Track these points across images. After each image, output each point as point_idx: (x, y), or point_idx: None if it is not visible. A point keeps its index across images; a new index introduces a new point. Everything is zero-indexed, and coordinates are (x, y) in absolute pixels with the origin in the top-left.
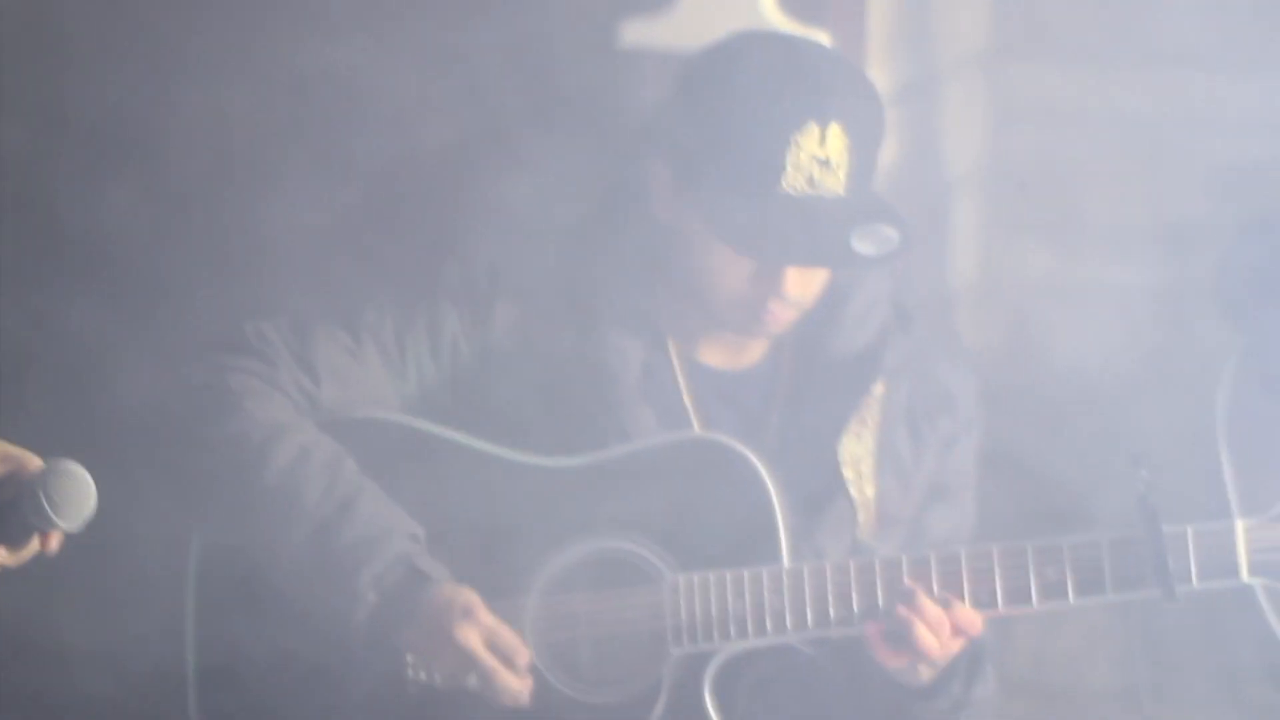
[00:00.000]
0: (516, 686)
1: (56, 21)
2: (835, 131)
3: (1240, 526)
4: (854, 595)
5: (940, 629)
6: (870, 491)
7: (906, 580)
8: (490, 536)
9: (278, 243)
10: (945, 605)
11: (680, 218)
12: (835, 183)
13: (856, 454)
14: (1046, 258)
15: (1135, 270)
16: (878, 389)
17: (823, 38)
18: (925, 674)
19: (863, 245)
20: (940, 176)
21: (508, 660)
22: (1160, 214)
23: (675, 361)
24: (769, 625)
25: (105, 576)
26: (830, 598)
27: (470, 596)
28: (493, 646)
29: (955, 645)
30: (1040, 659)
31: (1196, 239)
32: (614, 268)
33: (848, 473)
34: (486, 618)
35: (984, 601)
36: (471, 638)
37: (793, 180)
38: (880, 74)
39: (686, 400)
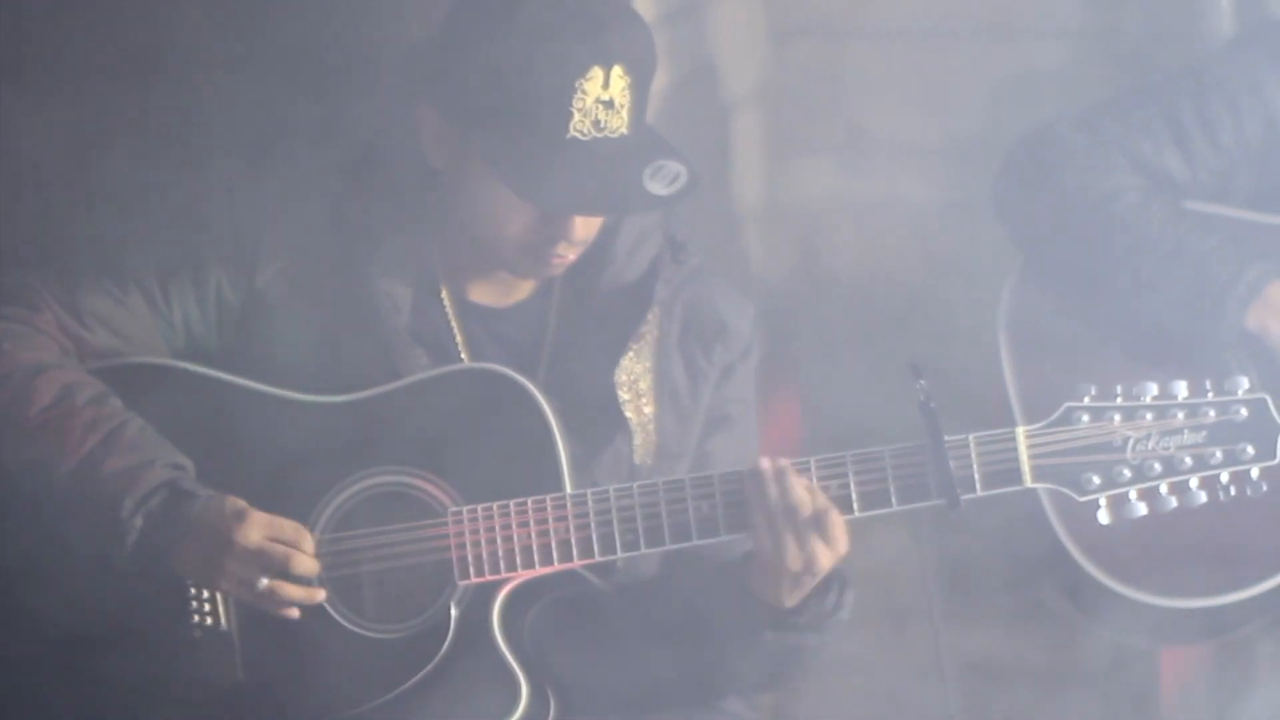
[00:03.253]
0: (311, 567)
1: None
2: (618, 73)
3: (1021, 433)
4: (638, 519)
5: (797, 519)
6: (649, 410)
7: (765, 460)
8: (267, 476)
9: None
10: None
11: (457, 163)
12: (620, 123)
13: (635, 372)
14: (831, 175)
15: (921, 185)
16: (653, 314)
17: None
18: (794, 589)
19: (655, 186)
20: (718, 98)
21: (295, 546)
22: (944, 127)
23: (447, 302)
24: (555, 554)
25: None
26: (615, 523)
27: (237, 501)
28: (276, 537)
29: (825, 556)
30: None
31: (981, 151)
32: (381, 213)
33: (624, 394)
34: (260, 515)
35: None
36: (252, 535)
37: (580, 125)
38: None
39: (458, 338)
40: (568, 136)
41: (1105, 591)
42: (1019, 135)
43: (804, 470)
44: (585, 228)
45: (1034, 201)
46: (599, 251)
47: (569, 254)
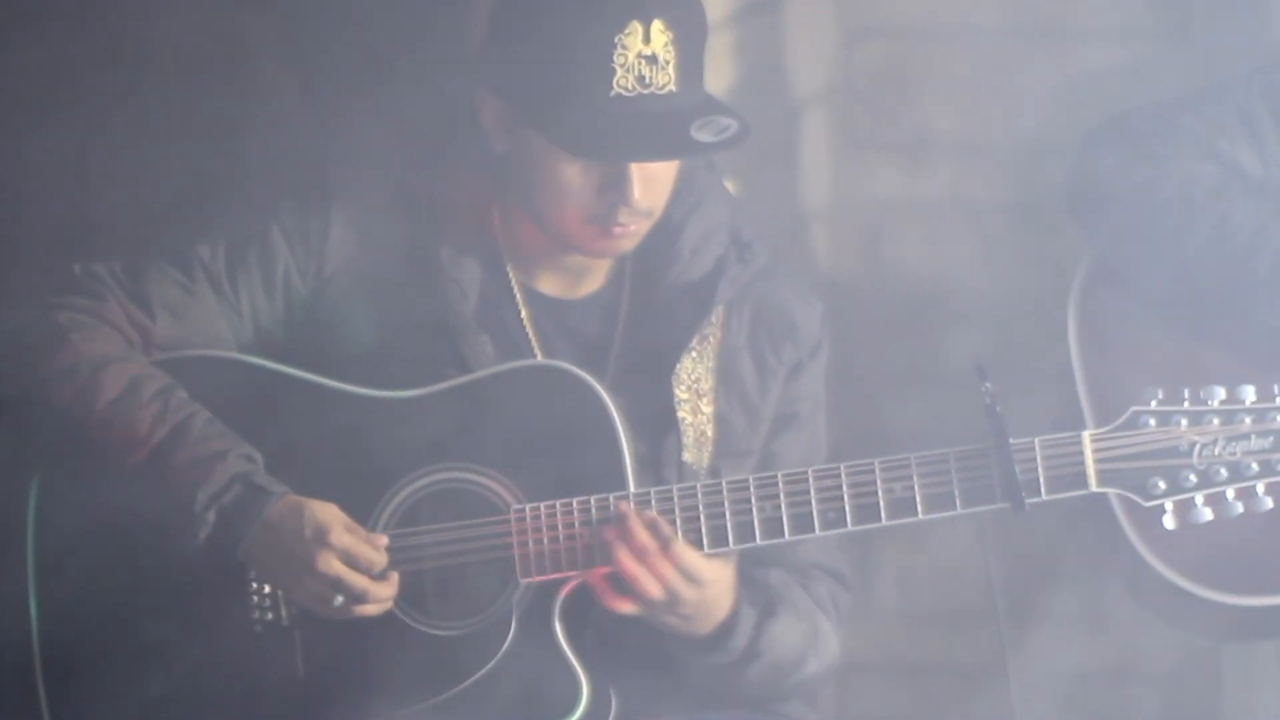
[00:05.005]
0: (386, 595)
1: None
2: (658, 27)
3: (1087, 437)
4: (702, 518)
5: (646, 558)
6: (708, 410)
7: (616, 505)
8: (333, 472)
9: (112, 181)
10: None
11: (518, 144)
12: (666, 79)
13: (696, 373)
14: (898, 175)
15: (987, 185)
16: (717, 313)
17: None
18: (687, 623)
19: (702, 134)
20: (787, 97)
21: (370, 571)
22: (1011, 127)
23: (515, 290)
24: None
25: None
26: (678, 522)
27: (315, 514)
28: (355, 564)
29: (682, 587)
30: (904, 582)
31: (1048, 151)
32: (449, 199)
33: (681, 393)
34: (340, 536)
35: (832, 520)
36: (333, 564)
37: (623, 81)
38: None
39: (527, 328)
40: (612, 94)
41: (1172, 589)
42: (1089, 129)
43: (830, 475)
44: (646, 193)
45: (1107, 194)
46: (665, 248)
47: (631, 223)
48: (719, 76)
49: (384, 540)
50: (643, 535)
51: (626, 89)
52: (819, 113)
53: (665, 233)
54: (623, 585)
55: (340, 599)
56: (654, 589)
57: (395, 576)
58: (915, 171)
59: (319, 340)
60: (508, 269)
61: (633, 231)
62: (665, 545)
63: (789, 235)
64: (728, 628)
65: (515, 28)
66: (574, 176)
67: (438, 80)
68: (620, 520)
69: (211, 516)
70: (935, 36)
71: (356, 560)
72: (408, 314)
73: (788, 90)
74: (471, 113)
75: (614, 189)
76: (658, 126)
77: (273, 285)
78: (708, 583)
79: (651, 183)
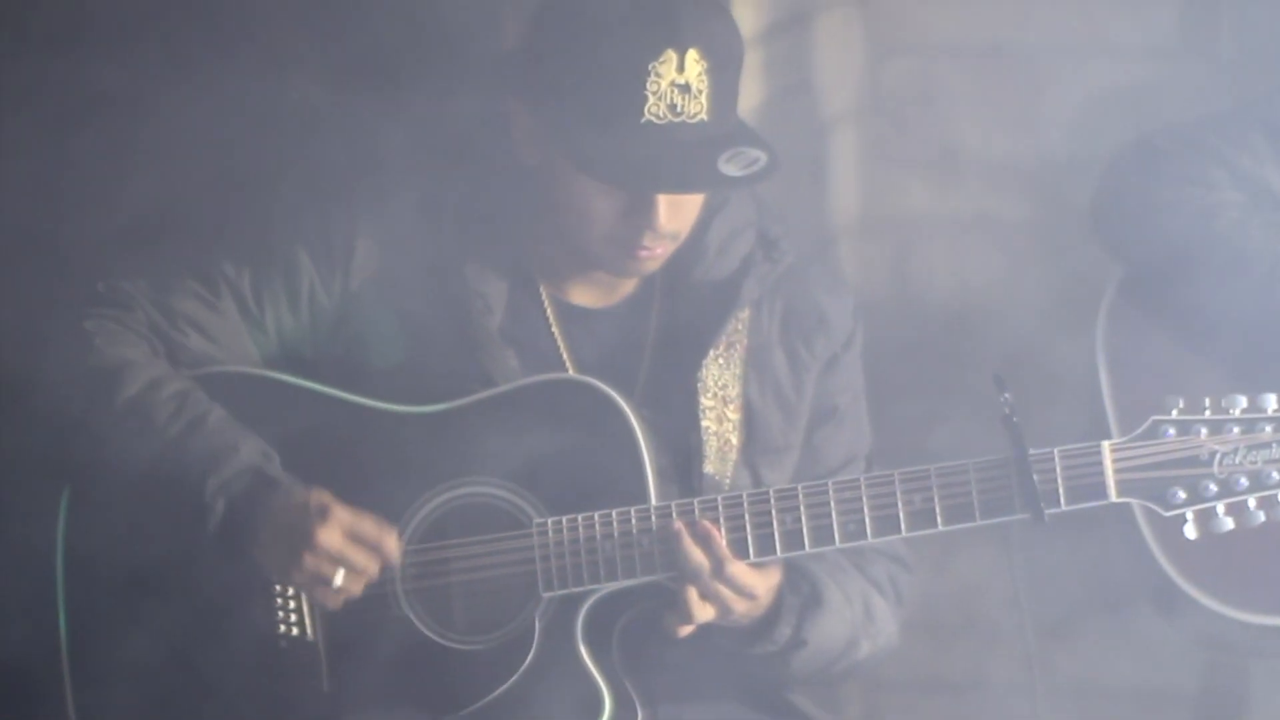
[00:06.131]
0: (391, 549)
1: None
2: (693, 56)
3: (1107, 446)
4: (722, 529)
5: (700, 581)
6: (734, 417)
7: (676, 522)
8: (356, 485)
9: (135, 196)
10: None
11: (546, 158)
12: (698, 108)
13: (722, 380)
14: (926, 192)
15: (1013, 203)
16: (744, 314)
17: None
18: (743, 615)
19: (730, 167)
20: (817, 114)
21: (376, 549)
22: (1037, 145)
23: (546, 303)
24: (639, 566)
25: None
26: None
27: (321, 495)
28: (356, 538)
29: (736, 603)
30: (930, 599)
31: (1075, 168)
32: (476, 211)
33: (706, 400)
34: (342, 513)
35: (853, 532)
36: (334, 537)
37: (655, 108)
38: (749, 10)
39: (559, 340)
40: (642, 120)
41: (1195, 605)
42: (1116, 148)
43: (852, 489)
44: (671, 218)
45: (1133, 213)
46: (691, 248)
47: (656, 247)
48: (748, 94)
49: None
50: (698, 556)
51: (657, 116)
52: (848, 130)
53: (691, 232)
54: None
55: (341, 575)
56: (709, 612)
57: (395, 540)
58: (943, 188)
59: (345, 355)
60: (538, 281)
61: (658, 254)
62: (720, 567)
63: (818, 251)
64: (771, 619)
65: (551, 42)
66: (600, 198)
67: (465, 91)
68: (674, 539)
69: (221, 505)
70: (963, 54)
71: (360, 534)
72: (432, 329)
73: (816, 107)
74: (499, 120)
75: (639, 213)
76: (686, 157)
77: (298, 301)
78: (760, 594)
79: (678, 207)
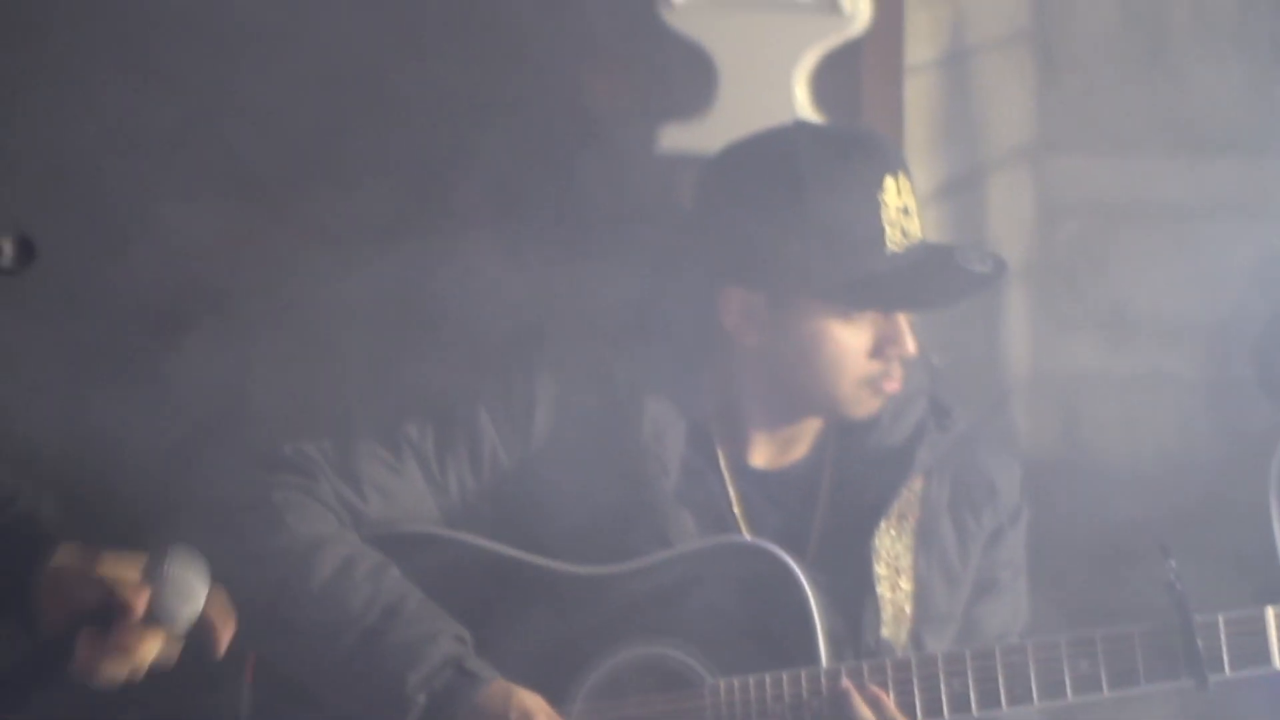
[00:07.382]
0: None
1: None
2: (902, 178)
3: (1271, 613)
4: (890, 694)
5: None
6: (907, 587)
7: (845, 682)
8: (535, 647)
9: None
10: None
11: (774, 331)
12: (916, 228)
13: (895, 551)
14: (1096, 350)
15: (1184, 362)
16: (917, 484)
17: None
18: None
19: (973, 264)
20: None
21: None
22: (1208, 305)
23: (722, 465)
24: None
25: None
26: None
27: (523, 701)
28: None
29: None
30: None
31: (1245, 328)
32: (649, 376)
33: (880, 569)
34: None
35: (1019, 696)
36: None
37: (893, 237)
38: (920, 169)
39: (734, 504)
40: (887, 252)
41: None
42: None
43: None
44: (915, 342)
45: None
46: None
47: (898, 376)
48: None
49: None
50: (867, 716)
51: (897, 244)
52: (1018, 287)
53: None
54: None
55: None
56: None
57: None
58: (1114, 347)
59: (523, 514)
60: (715, 444)
61: (897, 387)
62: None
63: (989, 409)
64: None
65: (764, 214)
66: (849, 341)
67: (640, 260)
68: (842, 699)
69: (422, 699)
70: (1133, 213)
71: None
72: (609, 490)
73: None
74: (677, 290)
75: (889, 344)
76: (935, 272)
77: (479, 464)
78: None
79: (913, 337)
